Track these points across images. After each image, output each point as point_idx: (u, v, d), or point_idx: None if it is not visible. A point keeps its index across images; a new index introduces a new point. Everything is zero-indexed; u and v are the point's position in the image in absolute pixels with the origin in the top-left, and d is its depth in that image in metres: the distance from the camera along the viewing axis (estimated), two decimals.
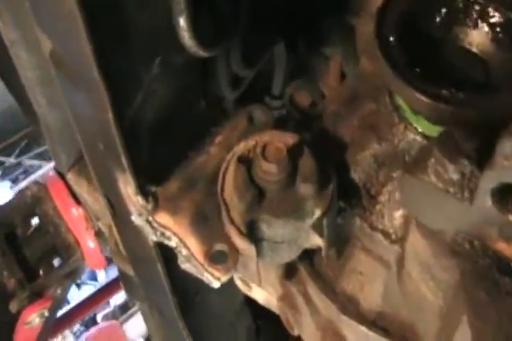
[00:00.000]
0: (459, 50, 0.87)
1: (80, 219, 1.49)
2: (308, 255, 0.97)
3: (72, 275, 1.54)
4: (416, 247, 0.81)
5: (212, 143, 0.95)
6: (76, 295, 3.77)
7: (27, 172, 5.02)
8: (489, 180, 0.67)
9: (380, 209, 0.90)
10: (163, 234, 0.86)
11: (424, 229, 0.79)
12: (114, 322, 3.71)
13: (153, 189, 0.88)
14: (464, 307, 0.71)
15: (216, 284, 0.83)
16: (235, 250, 0.85)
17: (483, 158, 0.70)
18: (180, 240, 0.85)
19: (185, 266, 0.85)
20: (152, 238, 0.87)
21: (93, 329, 3.55)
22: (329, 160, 0.89)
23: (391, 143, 0.90)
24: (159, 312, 1.23)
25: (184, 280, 1.07)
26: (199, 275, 0.84)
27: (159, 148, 0.89)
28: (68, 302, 3.43)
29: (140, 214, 0.87)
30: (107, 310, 4.00)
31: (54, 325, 2.70)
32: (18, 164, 5.13)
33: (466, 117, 0.76)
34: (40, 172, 4.73)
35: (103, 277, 4.20)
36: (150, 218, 0.87)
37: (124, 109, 0.80)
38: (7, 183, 4.90)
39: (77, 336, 3.86)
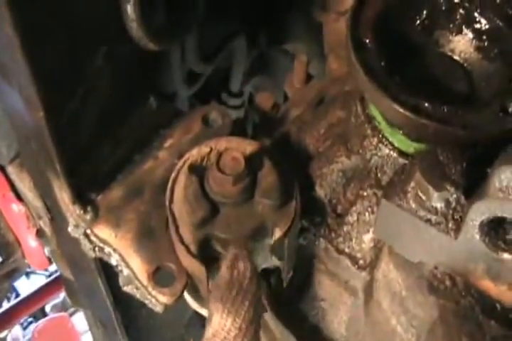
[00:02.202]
0: (441, 57, 0.79)
1: (20, 216, 1.37)
2: (266, 276, 0.88)
3: (11, 275, 1.43)
4: (387, 277, 0.72)
5: (161, 147, 0.85)
6: (25, 285, 3.63)
7: None
8: (479, 212, 0.59)
9: (348, 230, 0.82)
10: (102, 249, 0.76)
11: (399, 259, 0.70)
12: (63, 314, 3.58)
13: (92, 197, 0.78)
14: None
15: (160, 309, 0.73)
16: (183, 271, 0.75)
17: (471, 184, 0.62)
18: (122, 258, 0.75)
19: (126, 287, 0.75)
20: (90, 254, 0.77)
21: (41, 322, 3.42)
22: (292, 172, 0.80)
23: (362, 158, 0.82)
24: (102, 324, 1.13)
25: (127, 294, 0.98)
26: (142, 299, 0.74)
27: (101, 151, 0.78)
28: (17, 294, 3.31)
29: (77, 226, 0.76)
30: (56, 301, 3.86)
31: (2, 317, 2.59)
32: None
33: (450, 134, 0.68)
34: None
35: (54, 266, 4.06)
36: (88, 231, 0.76)
37: (61, 106, 0.71)
38: None
39: (24, 327, 3.73)
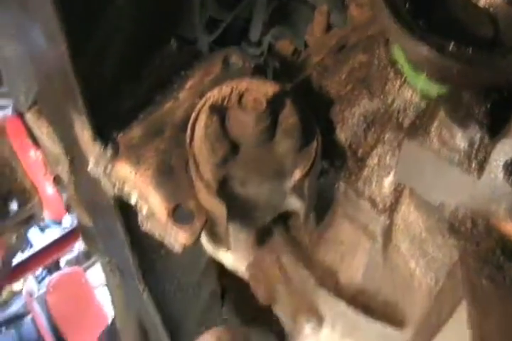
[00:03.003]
0: (466, 2, 0.77)
1: (38, 163, 1.38)
2: (284, 220, 0.88)
3: (28, 223, 1.44)
4: (407, 220, 0.72)
5: (182, 88, 0.84)
6: (39, 239, 3.67)
7: None
8: (503, 152, 0.58)
9: (368, 174, 0.81)
10: (121, 187, 0.76)
11: (419, 201, 0.70)
12: (77, 268, 3.63)
13: (113, 135, 0.78)
14: (462, 293, 0.63)
15: (179, 248, 0.74)
16: (203, 210, 0.75)
17: (494, 125, 0.61)
18: (141, 195, 0.75)
19: (146, 226, 0.75)
20: (110, 193, 0.77)
21: (56, 275, 3.48)
22: (313, 115, 0.79)
23: (384, 101, 0.81)
24: (118, 270, 1.14)
25: (145, 236, 0.99)
26: (160, 238, 0.74)
27: (123, 89, 0.78)
28: (31, 246, 3.34)
29: (97, 164, 0.76)
30: (71, 256, 3.91)
31: (16, 268, 2.63)
32: None
33: (474, 76, 0.67)
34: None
35: (68, 221, 4.09)
36: (108, 168, 0.76)
37: (84, 42, 0.70)
38: None
39: (39, 280, 3.78)
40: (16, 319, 3.26)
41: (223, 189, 0.74)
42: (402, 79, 0.79)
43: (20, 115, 1.42)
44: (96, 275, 3.72)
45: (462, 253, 0.66)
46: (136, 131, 0.79)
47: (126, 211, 0.93)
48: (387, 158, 0.80)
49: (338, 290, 0.83)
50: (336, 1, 1.10)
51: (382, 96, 0.81)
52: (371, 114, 0.82)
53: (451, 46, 0.67)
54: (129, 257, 1.02)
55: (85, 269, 3.75)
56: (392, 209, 0.78)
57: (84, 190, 1.00)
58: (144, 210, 0.75)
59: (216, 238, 0.80)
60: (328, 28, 1.14)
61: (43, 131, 1.32)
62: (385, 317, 0.81)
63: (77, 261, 3.89)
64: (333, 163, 0.82)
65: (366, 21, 0.96)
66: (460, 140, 0.63)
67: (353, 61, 0.87)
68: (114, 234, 1.00)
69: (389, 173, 0.80)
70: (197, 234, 0.73)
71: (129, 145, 0.78)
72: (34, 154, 1.38)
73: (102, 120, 0.76)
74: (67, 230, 2.98)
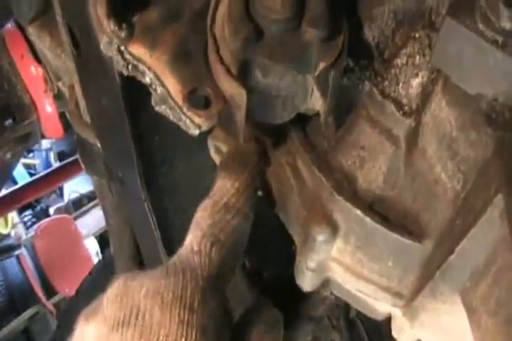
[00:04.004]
0: None
1: (38, 78, 1.33)
2: (302, 123, 0.84)
3: (24, 140, 1.40)
4: (438, 117, 0.68)
5: None
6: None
7: None
8: None
9: (395, 73, 0.76)
10: (135, 67, 0.71)
11: (453, 94, 0.65)
12: (66, 216, 3.60)
13: (129, 15, 0.73)
14: (497, 188, 0.59)
15: (195, 131, 0.70)
16: (220, 95, 0.71)
17: None
18: (157, 76, 0.71)
19: (160, 107, 0.71)
20: (123, 71, 0.72)
21: (45, 221, 3.45)
22: (342, 7, 0.75)
23: None
24: (120, 181, 1.10)
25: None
26: (175, 120, 0.70)
27: None
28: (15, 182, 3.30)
29: (110, 43, 0.72)
30: (60, 204, 3.88)
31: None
32: None
33: None
34: None
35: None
36: (122, 47, 0.71)
37: None
38: None
39: (27, 226, 3.75)
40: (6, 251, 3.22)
41: (244, 74, 0.70)
42: None
43: (21, 29, 1.37)
44: (85, 225, 3.70)
45: (498, 143, 0.62)
46: (152, 14, 0.74)
47: (133, 112, 0.89)
48: (417, 57, 0.75)
49: (356, 198, 0.79)
50: None
51: None
52: (402, 11, 0.77)
53: None
54: (133, 167, 0.98)
55: (75, 218, 3.72)
56: (419, 111, 0.74)
57: (90, 91, 0.95)
58: (158, 91, 0.71)
59: (230, 129, 0.76)
60: None
61: (45, 44, 1.28)
62: (404, 229, 0.77)
63: (66, 209, 3.86)
64: (359, 61, 0.77)
65: None
66: (506, 20, 0.59)
67: None
68: (120, 140, 0.96)
69: (417, 74, 0.75)
70: (213, 119, 0.69)
71: (145, 27, 0.73)
72: (35, 69, 1.34)
73: None
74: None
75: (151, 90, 0.71)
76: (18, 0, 1.21)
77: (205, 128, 0.70)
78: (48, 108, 1.34)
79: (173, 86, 0.71)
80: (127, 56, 0.71)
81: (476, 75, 0.63)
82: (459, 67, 0.64)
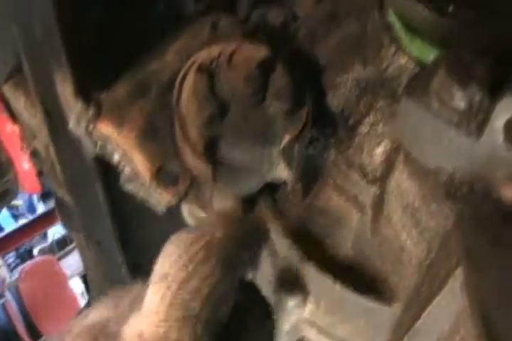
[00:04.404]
0: None
1: (14, 136, 1.34)
2: (271, 190, 0.85)
3: (3, 197, 1.40)
4: (400, 187, 0.70)
5: (168, 50, 0.81)
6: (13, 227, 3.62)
7: None
8: (504, 111, 0.56)
9: (359, 142, 0.78)
10: (104, 146, 0.73)
11: (414, 167, 0.67)
12: (50, 257, 3.58)
13: (95, 93, 0.75)
14: (458, 257, 0.60)
15: (162, 208, 0.71)
16: (188, 171, 0.72)
17: (495, 84, 0.59)
18: (125, 155, 0.72)
19: (129, 186, 0.72)
20: (91, 151, 0.74)
21: (28, 263, 3.42)
22: (305, 79, 0.77)
23: (378, 67, 0.78)
24: (97, 243, 1.10)
25: (124, 205, 0.95)
26: (144, 197, 0.71)
27: (107, 45, 0.75)
28: (2, 229, 3.29)
29: (78, 122, 0.73)
30: (44, 245, 3.86)
31: None
32: None
33: (474, 36, 0.65)
34: None
35: (42, 210, 4.03)
36: (90, 127, 0.73)
37: None
38: None
39: (11, 268, 3.72)
40: None
41: (210, 151, 0.71)
42: (398, 45, 0.76)
43: None
44: (69, 265, 3.68)
45: (458, 217, 0.64)
46: (120, 91, 0.76)
47: (106, 176, 0.90)
48: (380, 126, 0.78)
49: (325, 264, 0.80)
50: None
51: (376, 63, 0.78)
52: (364, 80, 0.80)
53: (451, 7, 0.66)
54: (108, 228, 0.99)
55: (59, 259, 3.69)
56: (383, 179, 0.76)
57: (63, 154, 0.96)
58: (126, 170, 0.72)
59: (200, 202, 0.77)
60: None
61: (20, 103, 1.29)
62: (373, 293, 0.79)
63: (50, 250, 3.83)
64: (324, 130, 0.80)
65: None
66: (459, 100, 0.61)
67: (346, 27, 0.84)
68: (93, 204, 0.97)
69: (380, 143, 0.78)
70: (181, 195, 0.71)
71: (112, 104, 0.75)
72: (11, 128, 1.34)
73: (84, 76, 0.73)
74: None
75: (120, 169, 0.73)
76: None
77: (173, 203, 0.71)
78: (25, 165, 1.34)
79: (142, 163, 0.72)
80: (95, 135, 0.73)
81: (433, 151, 0.65)
82: (418, 143, 0.66)
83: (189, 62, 0.76)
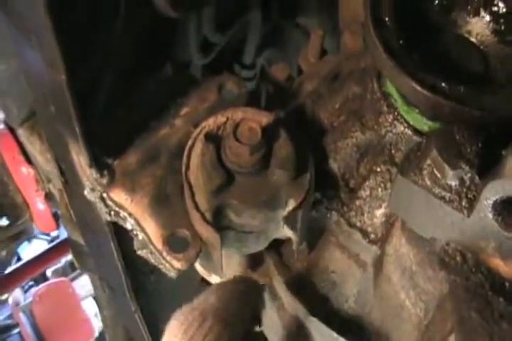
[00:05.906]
0: (457, 38, 0.79)
1: (29, 179, 1.38)
2: (277, 245, 0.89)
3: (19, 238, 1.44)
4: (398, 252, 0.73)
5: (177, 115, 0.85)
6: (26, 250, 3.66)
7: None
8: (493, 192, 0.59)
9: (360, 205, 0.82)
10: (117, 213, 0.77)
11: (411, 234, 0.71)
12: (63, 279, 3.61)
13: (109, 161, 0.79)
14: (452, 326, 0.64)
15: (174, 274, 0.75)
16: (197, 237, 0.76)
17: (485, 164, 0.63)
18: (137, 222, 0.76)
19: (141, 252, 0.76)
20: (105, 217, 0.77)
21: (42, 286, 3.45)
22: (307, 145, 0.80)
23: (376, 134, 0.82)
24: (109, 288, 1.14)
25: (138, 259, 0.99)
26: (156, 264, 0.75)
27: (118, 116, 0.79)
28: (19, 258, 3.33)
29: (93, 189, 0.77)
30: (57, 266, 3.89)
31: (4, 280, 2.62)
32: None
33: (466, 114, 0.69)
34: None
35: (55, 231, 4.07)
36: (104, 194, 0.77)
37: (82, 70, 0.70)
38: None
39: (25, 290, 3.76)
40: (3, 331, 3.23)
41: (218, 218, 0.75)
42: (395, 113, 0.80)
43: (11, 130, 1.42)
44: (82, 286, 3.71)
45: (452, 286, 0.67)
46: (131, 158, 0.80)
47: (120, 232, 0.94)
48: (379, 190, 0.81)
49: (329, 319, 0.83)
50: (329, 26, 1.11)
51: (375, 129, 0.82)
52: (364, 145, 0.83)
53: (443, 84, 0.69)
54: (122, 277, 1.02)
55: (72, 280, 3.72)
56: (383, 239, 0.80)
57: (77, 211, 1.00)
58: (139, 237, 0.76)
59: (209, 265, 0.81)
60: (322, 53, 1.15)
61: (35, 147, 1.33)
62: None
63: (63, 271, 3.86)
64: (326, 193, 0.83)
65: (359, 50, 0.97)
66: (451, 179, 0.64)
67: (346, 92, 0.88)
68: (107, 254, 1.01)
69: (380, 205, 0.81)
70: (191, 261, 0.74)
71: (124, 171, 0.79)
72: (26, 170, 1.38)
73: (97, 147, 0.77)
74: (54, 242, 2.95)
75: (133, 235, 0.76)
76: (6, 101, 1.26)
77: (184, 269, 0.75)
78: (39, 206, 1.38)
79: (153, 229, 0.76)
80: (109, 203, 0.77)
81: (428, 223, 0.68)
82: (413, 215, 0.69)
83: (197, 130, 0.80)
